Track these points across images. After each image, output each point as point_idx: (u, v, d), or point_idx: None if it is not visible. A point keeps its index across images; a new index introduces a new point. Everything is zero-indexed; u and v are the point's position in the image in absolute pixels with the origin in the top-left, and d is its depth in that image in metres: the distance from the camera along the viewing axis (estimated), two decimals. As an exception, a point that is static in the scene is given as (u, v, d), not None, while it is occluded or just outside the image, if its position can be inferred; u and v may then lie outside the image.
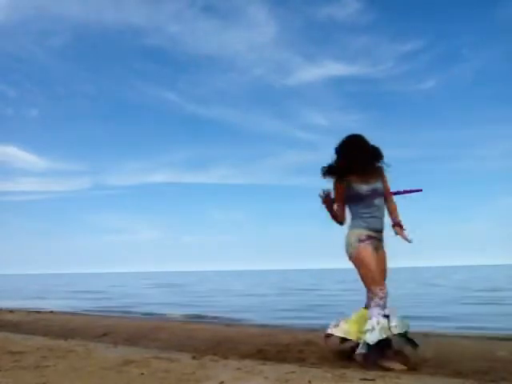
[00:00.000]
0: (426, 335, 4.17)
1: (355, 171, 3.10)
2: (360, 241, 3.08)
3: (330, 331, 3.13)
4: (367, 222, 3.11)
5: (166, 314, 8.26)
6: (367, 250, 3.05)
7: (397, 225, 3.19)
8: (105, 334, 4.94)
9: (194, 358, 2.87)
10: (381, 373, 2.48)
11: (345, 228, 3.25)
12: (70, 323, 6.15)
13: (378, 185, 3.16)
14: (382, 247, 3.19)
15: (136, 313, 8.68)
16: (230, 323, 6.41)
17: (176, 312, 8.59)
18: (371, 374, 2.41)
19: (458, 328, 5.85)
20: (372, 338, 2.80)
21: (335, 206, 3.25)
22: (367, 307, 3.03)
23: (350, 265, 3.17)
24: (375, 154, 3.17)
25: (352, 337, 3.02)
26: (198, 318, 7.70)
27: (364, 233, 3.10)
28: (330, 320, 3.24)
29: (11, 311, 8.04)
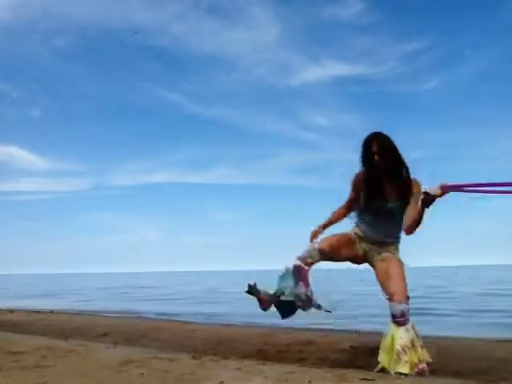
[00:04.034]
0: (425, 336, 4.16)
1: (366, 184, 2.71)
2: None
3: None
4: (365, 226, 2.81)
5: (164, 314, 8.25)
6: None
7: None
8: (105, 334, 4.94)
9: (193, 357, 2.87)
10: (381, 373, 2.47)
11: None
12: (70, 323, 6.15)
13: (392, 204, 2.65)
14: (380, 255, 2.76)
15: (136, 313, 8.67)
16: (229, 323, 6.41)
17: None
18: (371, 374, 2.41)
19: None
20: None
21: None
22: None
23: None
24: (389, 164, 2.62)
25: None
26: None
27: (355, 231, 2.86)
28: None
29: (11, 311, 8.04)
